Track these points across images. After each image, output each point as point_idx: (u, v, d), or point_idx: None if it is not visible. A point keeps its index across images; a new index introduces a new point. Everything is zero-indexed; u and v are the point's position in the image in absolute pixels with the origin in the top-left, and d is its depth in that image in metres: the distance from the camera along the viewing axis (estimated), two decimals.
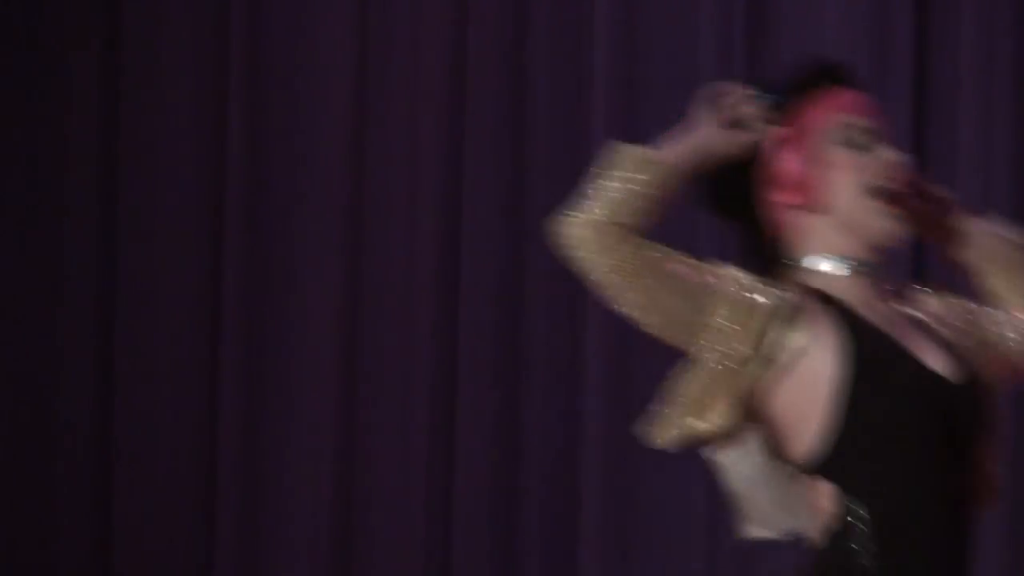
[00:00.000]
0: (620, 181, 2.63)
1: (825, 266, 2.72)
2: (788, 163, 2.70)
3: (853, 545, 2.66)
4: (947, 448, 2.69)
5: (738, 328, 2.63)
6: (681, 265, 2.66)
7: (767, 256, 2.76)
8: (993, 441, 2.76)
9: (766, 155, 2.71)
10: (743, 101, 2.71)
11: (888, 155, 2.68)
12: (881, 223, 2.68)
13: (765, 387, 2.64)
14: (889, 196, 2.68)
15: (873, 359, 2.65)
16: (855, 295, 2.70)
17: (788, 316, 2.62)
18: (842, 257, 2.71)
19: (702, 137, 2.68)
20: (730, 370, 2.64)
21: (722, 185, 2.75)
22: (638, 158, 2.63)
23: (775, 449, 2.70)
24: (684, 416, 2.65)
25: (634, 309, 2.66)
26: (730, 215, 2.80)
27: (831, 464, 2.65)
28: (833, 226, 2.70)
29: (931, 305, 2.84)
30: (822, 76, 2.74)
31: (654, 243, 2.64)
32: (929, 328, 2.78)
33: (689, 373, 2.65)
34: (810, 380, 2.65)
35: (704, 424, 2.65)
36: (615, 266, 2.63)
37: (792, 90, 2.73)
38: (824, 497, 2.68)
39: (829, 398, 2.63)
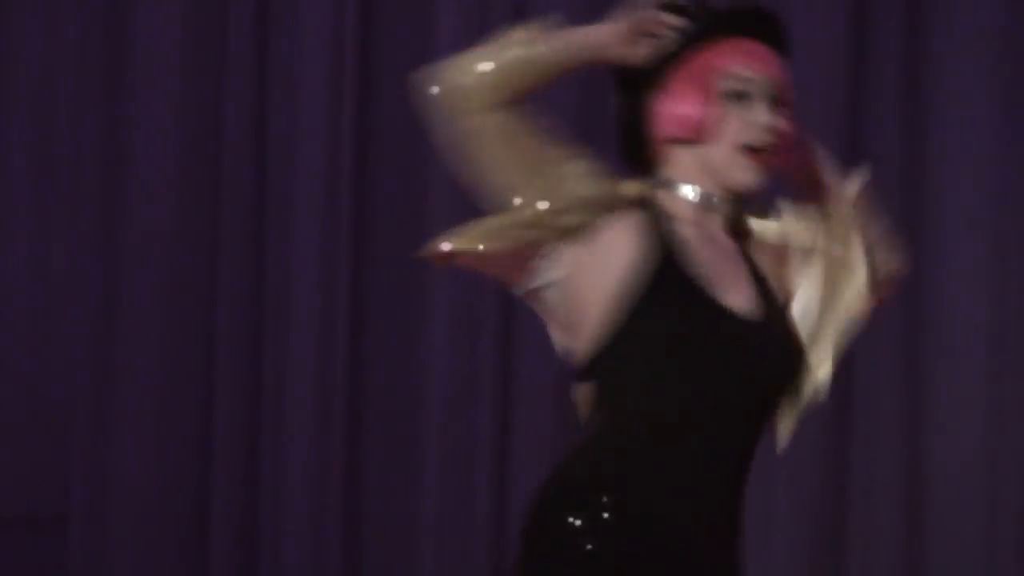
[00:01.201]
0: (511, 50, 2.75)
1: (679, 191, 2.85)
2: (676, 98, 2.81)
3: (600, 453, 2.78)
4: (726, 381, 2.80)
5: (555, 196, 2.74)
6: (536, 143, 2.78)
7: (636, 161, 2.89)
8: (784, 378, 2.86)
9: (662, 80, 2.83)
10: (658, 18, 2.79)
11: (765, 114, 2.78)
12: (742, 175, 2.79)
13: (557, 258, 2.77)
14: (755, 153, 2.78)
15: (667, 281, 2.76)
16: (696, 224, 2.83)
17: (601, 207, 2.76)
18: (696, 190, 2.83)
19: (602, 37, 2.79)
20: (529, 222, 2.74)
21: (621, 87, 2.87)
22: (533, 35, 2.75)
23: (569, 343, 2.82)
24: (471, 238, 2.76)
25: (480, 166, 2.79)
26: (619, 117, 2.92)
27: (598, 368, 2.74)
28: (698, 163, 2.82)
29: (775, 239, 2.96)
30: (736, 22, 2.83)
31: (523, 117, 2.77)
32: (754, 268, 2.89)
33: (496, 216, 2.77)
34: (600, 277, 2.75)
35: (482, 246, 2.76)
36: (482, 128, 2.75)
37: (704, 26, 2.82)
38: (587, 399, 2.79)
39: (610, 300, 2.73)
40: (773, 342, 2.89)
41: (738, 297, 2.83)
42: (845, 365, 3.26)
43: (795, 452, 3.63)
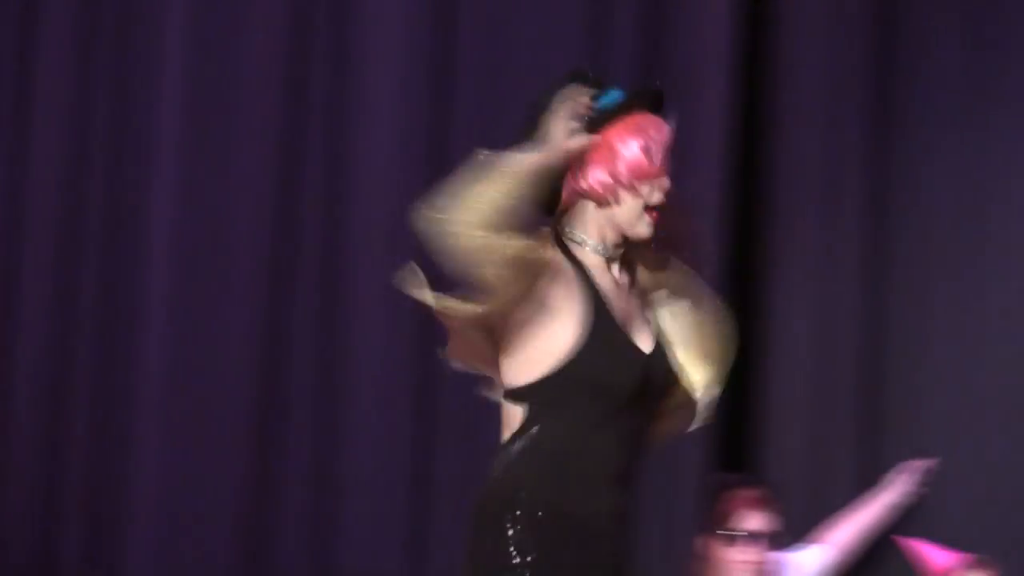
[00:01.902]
0: (491, 190, 3.52)
1: (588, 245, 3.68)
2: (592, 166, 3.62)
3: (524, 459, 3.60)
4: (631, 405, 3.65)
5: (520, 273, 3.54)
6: (513, 244, 3.55)
7: (552, 218, 3.71)
8: (668, 399, 3.76)
9: (581, 152, 3.65)
10: (581, 102, 3.61)
11: (664, 180, 3.63)
12: (644, 229, 3.63)
13: (515, 317, 3.59)
14: (654, 211, 3.64)
15: (599, 329, 3.61)
16: (602, 272, 3.67)
17: (552, 274, 3.60)
18: (602, 243, 3.67)
19: (557, 144, 3.58)
20: (497, 290, 3.54)
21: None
22: (506, 170, 3.54)
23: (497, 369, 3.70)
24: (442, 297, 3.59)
25: (478, 275, 3.56)
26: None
27: (531, 395, 3.57)
28: (604, 217, 3.65)
29: (659, 288, 3.84)
30: (641, 101, 3.67)
31: (505, 235, 3.54)
32: (642, 309, 3.76)
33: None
34: (547, 328, 3.57)
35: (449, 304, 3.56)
36: (484, 254, 3.51)
37: (616, 107, 3.65)
38: (514, 416, 3.62)
39: (555, 349, 3.57)
40: (661, 373, 3.78)
41: (642, 338, 3.71)
42: None
43: None
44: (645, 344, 3.75)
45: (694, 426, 4.00)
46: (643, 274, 3.94)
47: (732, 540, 6.00)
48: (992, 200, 7.00)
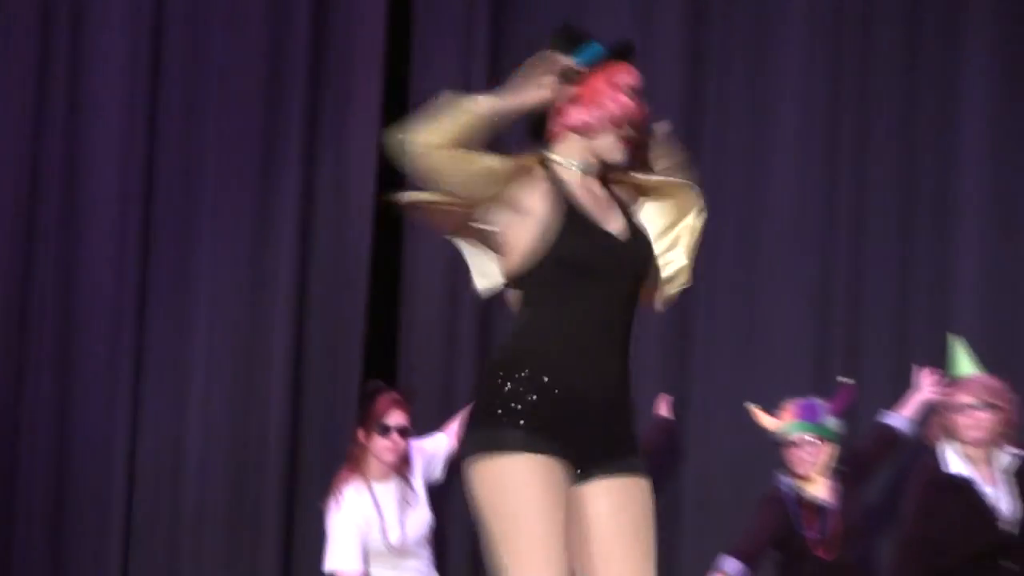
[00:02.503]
0: (456, 117, 4.23)
1: (573, 166, 4.37)
2: (580, 105, 4.35)
3: (526, 337, 4.27)
4: (609, 281, 4.32)
5: (492, 178, 4.23)
6: (480, 161, 4.25)
7: (536, 138, 4.40)
8: (647, 279, 4.41)
9: (564, 95, 4.36)
10: (551, 62, 4.31)
11: (636, 116, 4.36)
12: (618, 155, 4.36)
13: (487, 218, 4.29)
14: (627, 142, 4.37)
15: (572, 221, 4.27)
16: (580, 184, 4.36)
17: (510, 174, 4.27)
18: (580, 164, 4.36)
19: (518, 92, 4.31)
20: (477, 190, 4.22)
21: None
22: (469, 107, 4.25)
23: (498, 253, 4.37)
24: (428, 196, 4.30)
25: (446, 185, 4.25)
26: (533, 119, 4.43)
27: (523, 281, 4.26)
28: (584, 144, 4.36)
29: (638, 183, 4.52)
30: (616, 54, 4.39)
31: (469, 152, 4.24)
32: (622, 205, 4.43)
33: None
34: (525, 225, 4.25)
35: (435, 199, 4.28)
36: (448, 169, 4.21)
37: (596, 58, 4.37)
38: (518, 301, 4.30)
39: (534, 240, 4.23)
40: (636, 252, 4.41)
41: (614, 225, 4.34)
42: None
43: None
44: (621, 234, 4.40)
45: (662, 306, 4.65)
46: (629, 188, 4.61)
47: (381, 432, 7.24)
48: None
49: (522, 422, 4.42)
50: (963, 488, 6.94)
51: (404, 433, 7.36)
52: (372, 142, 8.32)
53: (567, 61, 4.44)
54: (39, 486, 8.56)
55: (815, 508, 7.29)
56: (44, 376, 8.58)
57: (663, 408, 8.12)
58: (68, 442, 8.60)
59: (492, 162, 4.39)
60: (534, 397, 4.45)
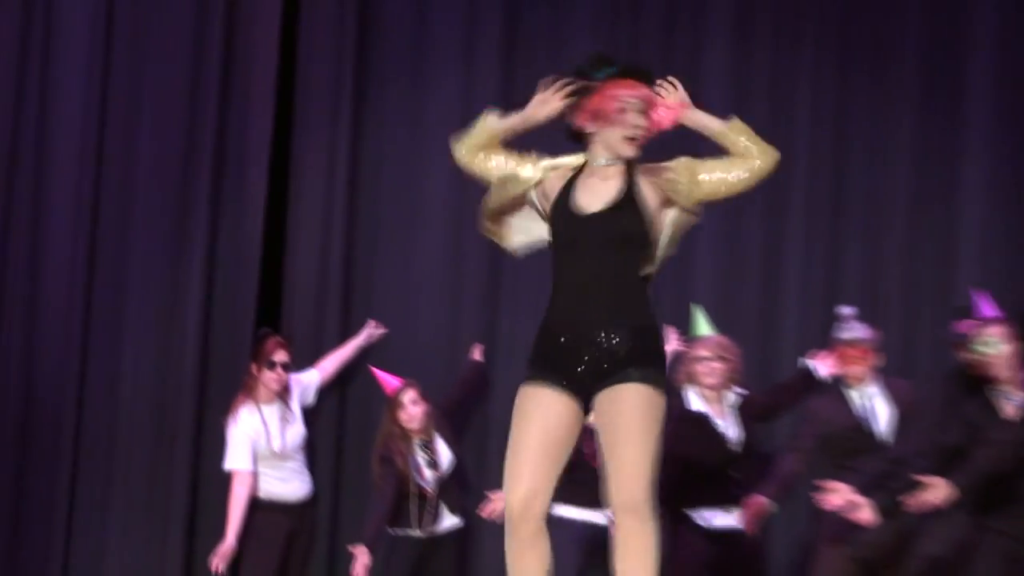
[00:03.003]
0: (479, 132, 5.29)
1: (594, 159, 5.21)
2: (589, 111, 5.19)
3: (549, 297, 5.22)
4: (584, 251, 5.12)
5: (521, 172, 5.26)
6: (511, 159, 5.29)
7: (577, 144, 5.31)
8: (608, 241, 5.12)
9: (583, 106, 5.20)
10: (560, 85, 5.22)
11: (637, 119, 5.16)
12: (625, 150, 5.14)
13: (521, 200, 5.27)
14: (631, 140, 5.14)
15: (557, 206, 5.19)
16: (589, 172, 5.23)
17: (546, 170, 5.26)
18: (600, 156, 5.20)
19: (531, 110, 5.26)
20: (513, 184, 5.25)
21: (567, 111, 5.29)
22: (491, 123, 5.29)
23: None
24: (478, 154, 5.32)
25: (480, 175, 5.29)
26: (566, 124, 5.31)
27: (550, 249, 5.24)
28: (603, 143, 5.17)
29: (652, 174, 5.28)
30: (622, 72, 5.22)
31: (491, 158, 5.28)
32: (629, 188, 5.18)
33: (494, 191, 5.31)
34: (549, 204, 5.22)
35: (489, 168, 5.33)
36: (479, 172, 5.31)
37: (608, 74, 5.20)
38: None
39: (549, 215, 5.21)
40: (609, 226, 5.11)
41: (592, 203, 5.12)
42: None
43: None
44: (592, 207, 5.16)
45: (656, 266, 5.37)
46: (650, 174, 5.29)
47: (269, 367, 8.71)
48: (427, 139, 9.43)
49: (531, 362, 5.40)
50: (701, 419, 8.12)
51: (286, 368, 8.78)
52: (261, 194, 9.48)
53: (583, 80, 5.33)
54: (10, 415, 9.51)
55: (585, 429, 8.19)
56: (16, 334, 9.50)
57: (476, 353, 9.32)
58: (33, 381, 9.60)
59: (513, 166, 5.41)
60: (541, 343, 5.42)
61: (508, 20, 9.75)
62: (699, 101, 5.63)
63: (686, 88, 5.50)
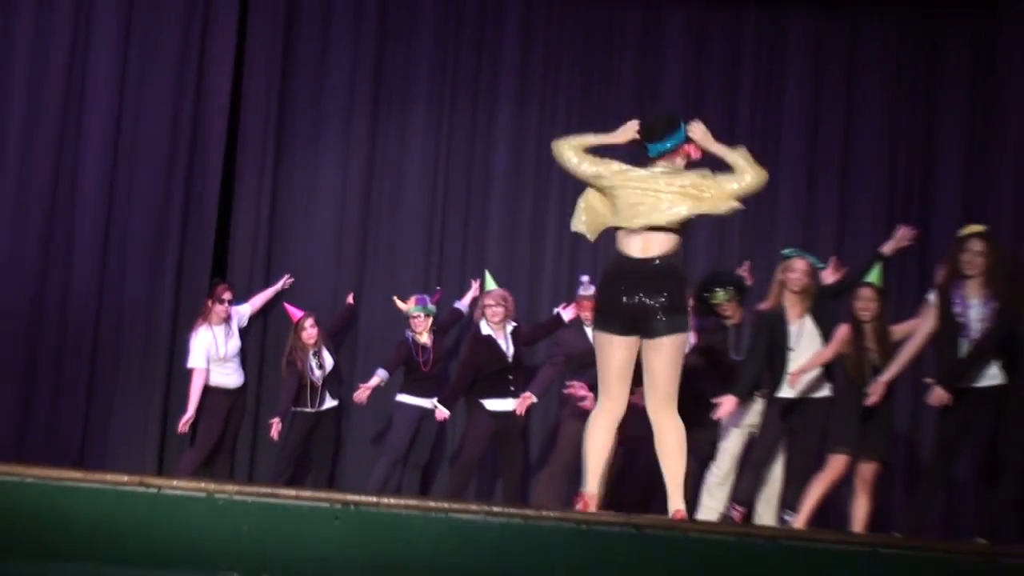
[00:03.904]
0: (575, 140, 6.19)
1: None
2: (695, 147, 6.21)
3: None
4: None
5: (606, 171, 6.18)
6: (600, 163, 6.14)
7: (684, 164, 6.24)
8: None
9: (689, 142, 6.20)
10: (634, 126, 6.21)
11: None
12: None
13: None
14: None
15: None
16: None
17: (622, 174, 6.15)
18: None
19: (616, 135, 6.19)
20: (600, 184, 6.21)
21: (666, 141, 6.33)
22: (587, 136, 6.22)
23: None
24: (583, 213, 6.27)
25: (579, 173, 6.19)
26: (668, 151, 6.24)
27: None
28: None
29: (684, 178, 6.18)
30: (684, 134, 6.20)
31: (593, 157, 6.15)
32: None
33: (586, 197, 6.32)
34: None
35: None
36: (576, 162, 6.22)
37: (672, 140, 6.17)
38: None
39: None
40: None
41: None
42: None
43: None
44: (648, 198, 5.93)
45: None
46: (692, 177, 6.07)
47: (219, 302, 9.76)
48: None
49: (599, 315, 6.22)
50: (489, 341, 9.22)
51: (229, 303, 9.95)
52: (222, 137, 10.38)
53: (655, 136, 6.14)
54: (50, 329, 10.35)
55: (420, 347, 9.69)
56: (56, 280, 10.31)
57: (350, 299, 10.44)
58: (68, 307, 10.37)
59: (591, 165, 6.13)
60: (604, 299, 6.17)
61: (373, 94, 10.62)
62: (714, 134, 6.41)
63: (707, 125, 6.29)
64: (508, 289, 9.69)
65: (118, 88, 10.47)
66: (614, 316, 6.04)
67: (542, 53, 10.80)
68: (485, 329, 9.34)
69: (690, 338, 8.43)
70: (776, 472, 8.29)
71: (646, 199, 6.07)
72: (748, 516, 8.24)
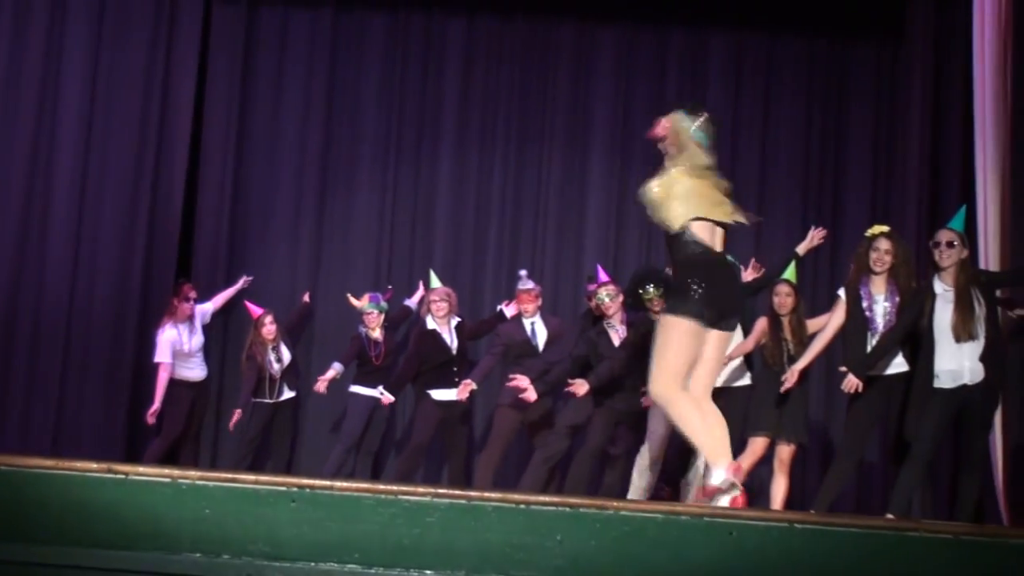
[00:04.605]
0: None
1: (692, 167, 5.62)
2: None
3: None
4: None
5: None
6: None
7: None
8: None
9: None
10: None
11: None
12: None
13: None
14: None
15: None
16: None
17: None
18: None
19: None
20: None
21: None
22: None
23: None
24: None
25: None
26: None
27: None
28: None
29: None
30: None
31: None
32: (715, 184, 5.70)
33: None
34: None
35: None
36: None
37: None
38: None
39: None
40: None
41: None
42: None
43: None
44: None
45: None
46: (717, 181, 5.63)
47: (184, 300, 9.65)
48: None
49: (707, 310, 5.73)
50: (434, 335, 9.24)
51: (194, 301, 9.89)
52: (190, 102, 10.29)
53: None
54: (27, 320, 10.18)
55: (373, 341, 9.70)
56: (31, 275, 10.19)
57: (306, 297, 10.42)
58: (41, 301, 10.22)
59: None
60: (710, 288, 5.70)
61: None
62: (641, 143, 6.53)
63: (634, 135, 6.42)
64: (452, 286, 9.79)
65: (88, 98, 10.41)
66: (715, 311, 5.69)
67: (483, 65, 10.86)
68: (430, 324, 9.37)
69: (621, 332, 8.56)
70: (700, 455, 8.10)
71: (716, 194, 5.85)
72: (675, 495, 8.35)
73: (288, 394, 9.97)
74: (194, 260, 10.61)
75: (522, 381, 8.43)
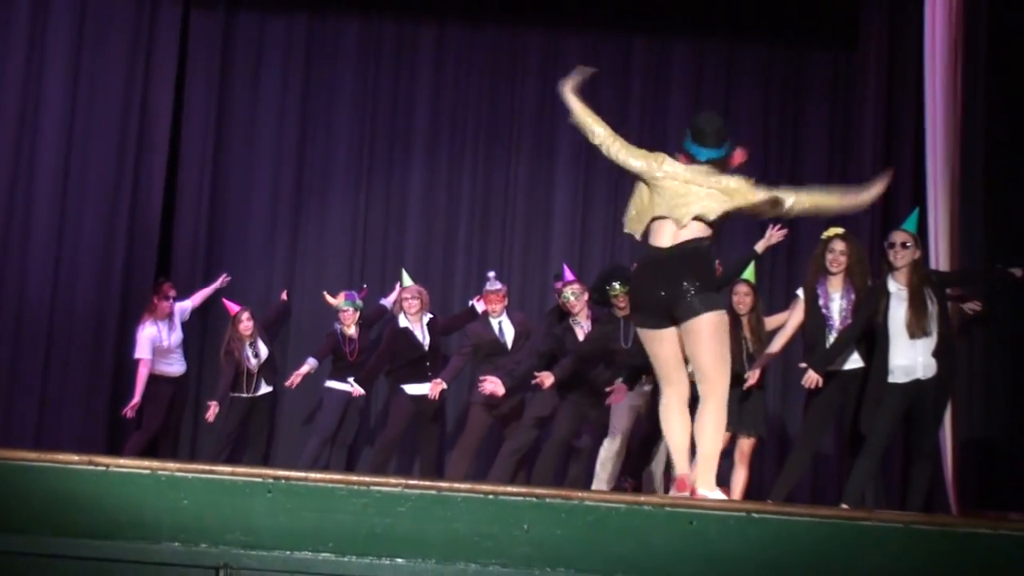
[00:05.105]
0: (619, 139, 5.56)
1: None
2: (740, 156, 5.69)
3: None
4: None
5: (656, 164, 5.59)
6: (649, 157, 5.63)
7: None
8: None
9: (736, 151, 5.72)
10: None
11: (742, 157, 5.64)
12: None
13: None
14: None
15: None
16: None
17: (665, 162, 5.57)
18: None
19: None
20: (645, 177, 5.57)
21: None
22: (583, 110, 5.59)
23: None
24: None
25: (628, 167, 5.55)
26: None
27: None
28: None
29: (726, 179, 5.66)
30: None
31: (642, 151, 5.61)
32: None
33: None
34: None
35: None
36: (624, 157, 5.57)
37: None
38: None
39: None
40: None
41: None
42: None
43: None
44: (687, 192, 5.46)
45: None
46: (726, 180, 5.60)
47: (164, 298, 9.63)
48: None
49: (635, 313, 5.77)
50: (407, 332, 9.20)
51: (174, 299, 9.89)
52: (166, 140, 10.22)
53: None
54: (9, 317, 10.11)
55: (348, 338, 9.65)
56: (12, 274, 10.11)
57: (283, 295, 10.41)
58: (24, 300, 10.18)
59: (643, 160, 5.59)
60: (636, 295, 5.75)
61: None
62: None
63: None
64: (423, 285, 9.80)
65: (69, 101, 10.39)
66: (648, 311, 5.63)
67: (453, 71, 10.87)
68: (403, 321, 9.36)
69: (586, 328, 8.50)
70: (662, 448, 8.31)
71: (688, 193, 5.61)
72: (637, 487, 8.32)
73: (265, 389, 9.96)
74: (173, 259, 10.60)
75: (492, 382, 8.45)
